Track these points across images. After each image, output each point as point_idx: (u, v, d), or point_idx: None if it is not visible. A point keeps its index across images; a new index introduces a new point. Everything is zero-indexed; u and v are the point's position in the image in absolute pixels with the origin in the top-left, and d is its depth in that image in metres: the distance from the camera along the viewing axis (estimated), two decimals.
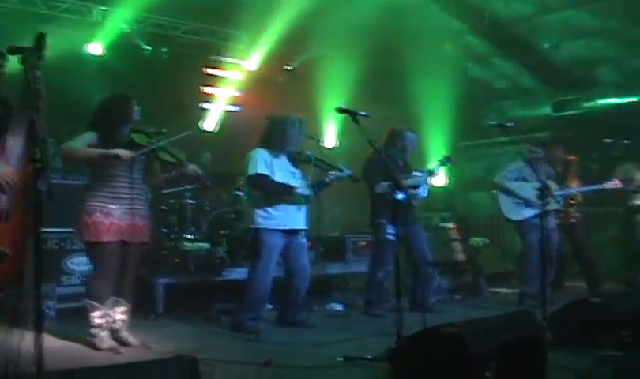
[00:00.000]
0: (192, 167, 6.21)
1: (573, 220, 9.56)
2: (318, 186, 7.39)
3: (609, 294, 7.71)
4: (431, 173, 8.49)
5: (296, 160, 7.33)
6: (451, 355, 3.98)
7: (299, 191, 7.06)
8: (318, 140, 7.80)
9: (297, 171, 7.31)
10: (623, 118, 12.03)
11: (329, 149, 8.92)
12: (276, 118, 7.41)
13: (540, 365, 4.38)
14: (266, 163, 7.03)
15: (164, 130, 6.19)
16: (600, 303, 5.79)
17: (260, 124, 7.51)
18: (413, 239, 8.26)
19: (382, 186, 7.79)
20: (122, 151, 5.77)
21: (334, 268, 9.78)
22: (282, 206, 7.06)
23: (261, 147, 7.16)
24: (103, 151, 5.78)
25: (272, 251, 7.05)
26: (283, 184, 7.04)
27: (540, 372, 4.31)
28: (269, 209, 7.04)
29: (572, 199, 9.44)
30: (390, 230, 6.10)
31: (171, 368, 3.07)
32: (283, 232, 7.11)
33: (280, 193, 7.04)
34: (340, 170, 7.35)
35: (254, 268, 7.11)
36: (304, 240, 7.47)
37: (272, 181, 7.01)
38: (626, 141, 8.94)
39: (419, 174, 8.43)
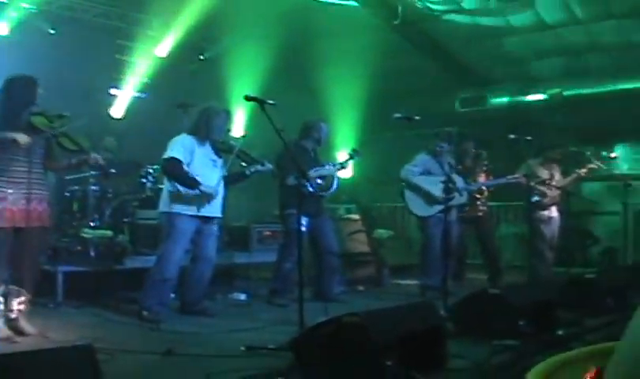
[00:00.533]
0: (94, 155, 6.12)
1: (479, 214, 9.78)
2: (235, 177, 7.44)
3: (507, 285, 7.91)
4: (342, 166, 8.56)
5: (220, 149, 7.32)
6: (353, 344, 4.02)
7: (203, 188, 7.00)
8: (228, 130, 7.81)
9: (219, 160, 7.30)
10: (527, 115, 12.36)
11: (237, 138, 8.88)
12: (203, 106, 7.39)
13: (440, 354, 4.47)
14: (186, 149, 7.02)
15: (67, 114, 6.06)
16: (498, 295, 5.96)
17: (168, 111, 7.47)
18: (321, 230, 8.34)
19: (293, 178, 7.82)
20: (19, 136, 5.66)
21: (238, 258, 9.75)
22: (197, 192, 7.01)
23: (188, 133, 7.16)
24: (0, 134, 5.64)
25: (181, 235, 7.01)
26: (190, 176, 6.99)
27: (440, 361, 4.39)
28: (184, 194, 6.99)
29: (479, 193, 9.65)
30: (299, 220, 6.12)
31: (68, 357, 3.01)
32: (196, 218, 7.08)
33: (184, 184, 6.99)
34: (262, 165, 7.38)
35: (160, 251, 7.07)
36: (216, 228, 7.46)
37: (181, 168, 6.97)
38: (529, 138, 9.15)
39: (330, 166, 8.48)
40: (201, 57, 12.90)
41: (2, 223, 5.69)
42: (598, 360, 0.75)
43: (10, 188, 5.72)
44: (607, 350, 0.80)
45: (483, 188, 9.71)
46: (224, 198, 7.45)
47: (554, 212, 9.99)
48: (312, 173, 7.98)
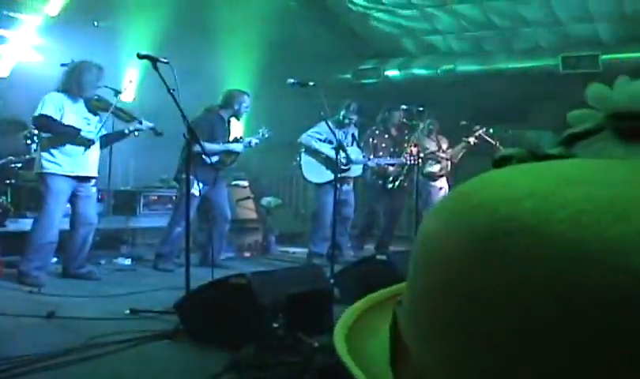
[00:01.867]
0: None
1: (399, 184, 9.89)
2: (114, 136, 7.37)
3: (394, 252, 8.07)
4: (250, 145, 8.58)
5: (94, 107, 7.19)
6: (239, 305, 4.05)
7: (83, 134, 6.91)
8: (118, 92, 7.68)
9: (93, 118, 7.17)
10: (420, 88, 12.56)
11: (127, 103, 8.75)
12: (73, 62, 7.25)
13: (325, 317, 4.55)
14: (56, 106, 6.87)
15: None
16: (384, 261, 6.07)
17: (58, 72, 7.29)
18: (215, 196, 8.34)
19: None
20: None
21: (124, 222, 9.62)
22: (70, 151, 6.91)
23: (58, 90, 7.00)
24: None
25: (58, 197, 6.88)
26: (67, 126, 6.88)
27: (325, 324, 4.47)
28: (55, 153, 6.87)
29: (401, 166, 9.72)
30: (196, 185, 6.11)
31: None
32: (70, 178, 6.95)
33: (64, 134, 6.87)
34: (140, 122, 7.30)
35: (38, 215, 6.92)
36: (93, 189, 7.33)
37: (56, 121, 6.84)
38: (421, 108, 9.32)
39: (238, 144, 8.49)
40: (96, 23, 12.55)
41: None
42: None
43: None
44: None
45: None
46: (103, 159, 7.35)
47: (444, 182, 10.25)
48: (218, 146, 8.01)
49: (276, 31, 11.79)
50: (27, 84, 10.98)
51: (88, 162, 7.09)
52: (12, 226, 8.08)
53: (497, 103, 11.65)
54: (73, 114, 6.98)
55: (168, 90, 5.51)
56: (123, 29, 12.03)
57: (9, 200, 8.43)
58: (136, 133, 7.47)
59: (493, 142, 10.10)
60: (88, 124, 7.11)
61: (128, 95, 11.91)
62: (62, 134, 6.87)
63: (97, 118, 7.20)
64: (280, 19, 11.70)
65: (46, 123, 6.85)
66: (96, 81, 7.14)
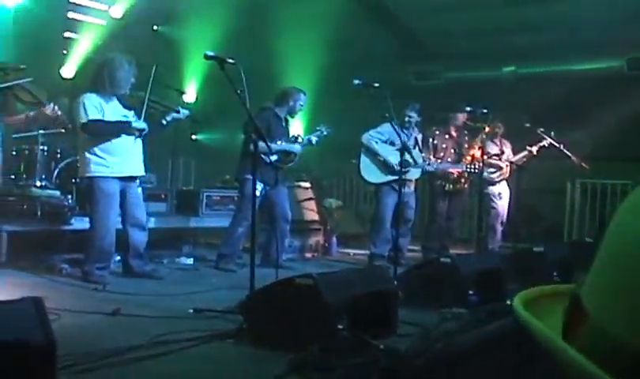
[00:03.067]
0: (51, 106, 5.99)
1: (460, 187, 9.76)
2: (155, 128, 7.28)
3: (457, 255, 7.98)
4: (310, 142, 8.55)
5: (129, 102, 7.14)
6: (305, 306, 4.02)
7: (134, 124, 6.92)
8: (182, 92, 7.69)
9: (130, 113, 7.11)
10: (480, 89, 12.42)
11: (189, 103, 8.80)
12: (103, 59, 7.19)
13: (390, 318, 4.50)
14: (96, 108, 6.80)
15: (23, 66, 5.92)
16: (448, 264, 6.01)
17: None
18: (276, 197, 8.33)
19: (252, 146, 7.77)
20: None
21: (186, 222, 9.67)
22: (116, 152, 6.90)
23: (90, 91, 6.92)
24: None
25: (109, 199, 6.90)
26: (117, 122, 6.89)
27: (390, 325, 4.42)
28: (102, 155, 6.86)
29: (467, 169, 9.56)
30: (254, 186, 6.09)
31: (16, 310, 2.95)
32: (119, 179, 6.97)
33: (118, 131, 6.87)
34: (177, 111, 7.27)
35: (93, 218, 6.96)
36: (139, 189, 7.37)
37: (105, 121, 6.83)
38: (485, 110, 9.19)
39: (296, 144, 8.46)
40: (155, 27, 12.70)
41: None
42: None
43: None
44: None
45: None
46: (164, 159, 7.34)
47: (504, 187, 10.10)
48: (276, 146, 7.96)
49: (337, 32, 11.76)
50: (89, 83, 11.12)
51: (134, 161, 7.10)
52: (78, 224, 8.17)
53: (560, 105, 11.46)
54: (110, 112, 6.93)
55: (235, 91, 5.49)
56: (182, 33, 12.12)
57: (75, 198, 8.52)
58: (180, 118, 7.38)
59: (558, 145, 9.93)
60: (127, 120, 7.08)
61: (190, 96, 12.02)
62: (114, 132, 6.88)
63: (132, 112, 7.13)
64: (340, 19, 11.67)
65: (96, 127, 6.80)
66: (129, 76, 7.01)
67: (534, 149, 9.95)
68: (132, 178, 7.13)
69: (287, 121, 8.60)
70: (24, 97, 5.83)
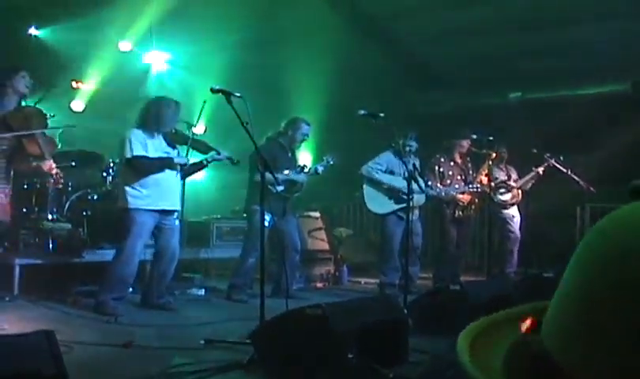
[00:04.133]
0: (49, 163, 6.09)
1: (469, 214, 9.75)
2: (193, 168, 7.51)
3: (467, 282, 7.98)
4: (316, 172, 8.59)
5: (172, 141, 7.35)
6: (315, 336, 4.03)
7: (176, 160, 7.13)
8: (191, 125, 7.80)
9: (173, 152, 7.30)
10: (486, 115, 12.45)
11: (199, 135, 8.84)
12: (152, 98, 7.44)
13: (401, 347, 4.50)
14: (141, 144, 7.01)
15: (52, 115, 6.04)
16: (458, 291, 6.01)
17: (130, 105, 7.43)
18: (285, 227, 8.39)
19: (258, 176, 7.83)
20: None
21: (197, 253, 9.71)
22: (155, 186, 7.04)
23: (137, 127, 7.12)
24: None
25: (141, 230, 7.01)
26: (160, 158, 7.07)
27: (401, 354, 4.42)
28: (140, 189, 7.01)
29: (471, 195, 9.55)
30: (263, 217, 6.13)
31: (28, 343, 2.99)
32: (155, 212, 7.09)
33: (160, 167, 7.04)
34: (218, 153, 7.38)
35: (121, 246, 7.05)
36: (176, 222, 7.46)
37: (150, 158, 7.01)
38: (490, 138, 9.21)
39: (302, 173, 8.49)
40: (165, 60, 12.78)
41: None
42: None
43: None
44: (539, 308, 0.88)
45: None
46: (182, 191, 7.46)
47: (515, 211, 10.12)
48: (283, 175, 8.02)
49: (343, 61, 11.82)
50: (99, 117, 11.20)
51: (171, 195, 7.25)
52: (89, 257, 8.23)
53: (567, 129, 11.48)
54: (154, 148, 7.12)
55: (242, 123, 5.54)
56: (192, 64, 12.20)
57: (86, 231, 8.58)
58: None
59: (565, 170, 9.95)
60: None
61: (199, 128, 12.07)
62: (157, 169, 7.03)
63: (175, 151, 7.31)
64: (346, 49, 11.74)
65: (140, 164, 6.98)
66: (174, 117, 7.28)
67: (540, 169, 9.99)
68: (169, 212, 7.25)
69: (293, 151, 8.65)
70: (31, 149, 5.91)
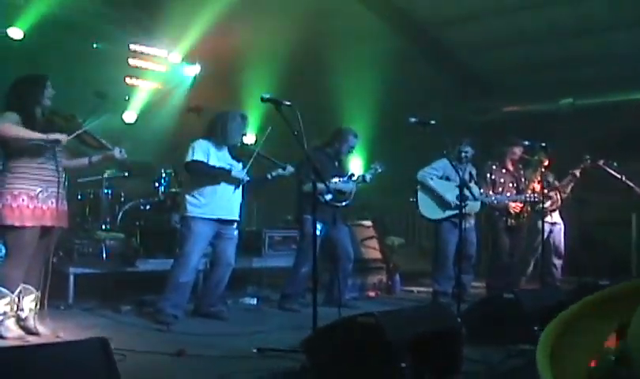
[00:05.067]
0: (118, 150, 6.12)
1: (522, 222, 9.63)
2: (259, 181, 7.56)
3: (520, 291, 7.88)
4: (364, 180, 8.56)
5: (238, 154, 7.40)
6: (368, 345, 4.00)
7: (234, 173, 7.12)
8: (243, 135, 7.81)
9: (237, 165, 7.32)
10: (538, 122, 12.34)
11: (250, 146, 8.85)
12: (220, 111, 7.51)
13: (455, 357, 4.44)
14: (204, 152, 7.10)
15: (82, 121, 6.05)
16: (512, 300, 5.93)
17: (181, 115, 7.49)
18: (337, 236, 8.37)
19: (309, 186, 7.81)
20: (60, 136, 5.66)
21: (250, 263, 9.72)
22: (214, 195, 7.10)
23: (204, 138, 7.22)
24: (43, 134, 5.61)
25: (199, 239, 7.06)
26: (218, 167, 7.10)
27: (454, 364, 4.36)
28: (200, 197, 7.08)
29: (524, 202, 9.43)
30: (315, 225, 6.11)
31: (83, 350, 3.00)
32: (213, 221, 7.13)
33: (216, 175, 7.07)
34: (284, 168, 7.40)
35: (178, 255, 7.14)
36: (235, 232, 7.48)
37: (207, 164, 7.07)
38: (543, 144, 9.08)
39: (350, 182, 8.46)
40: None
41: (34, 221, 5.64)
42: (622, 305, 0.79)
43: (40, 186, 5.67)
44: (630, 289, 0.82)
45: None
46: (242, 203, 7.48)
47: (557, 217, 9.96)
48: (331, 184, 7.98)
49: (394, 72, 11.79)
50: (150, 128, 11.31)
51: (231, 205, 7.28)
52: (142, 266, 8.30)
53: (620, 135, 11.31)
54: (217, 159, 7.18)
55: (293, 132, 5.51)
56: (237, 75, 12.24)
57: (139, 241, 8.66)
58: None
59: (618, 176, 9.77)
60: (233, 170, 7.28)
61: (249, 139, 12.12)
62: (214, 175, 7.08)
63: (240, 164, 7.34)
64: (397, 59, 11.72)
65: (198, 167, 7.06)
66: (240, 129, 7.37)
67: (577, 172, 9.81)
68: (228, 222, 7.28)
69: (340, 160, 8.63)
70: (91, 142, 5.94)
